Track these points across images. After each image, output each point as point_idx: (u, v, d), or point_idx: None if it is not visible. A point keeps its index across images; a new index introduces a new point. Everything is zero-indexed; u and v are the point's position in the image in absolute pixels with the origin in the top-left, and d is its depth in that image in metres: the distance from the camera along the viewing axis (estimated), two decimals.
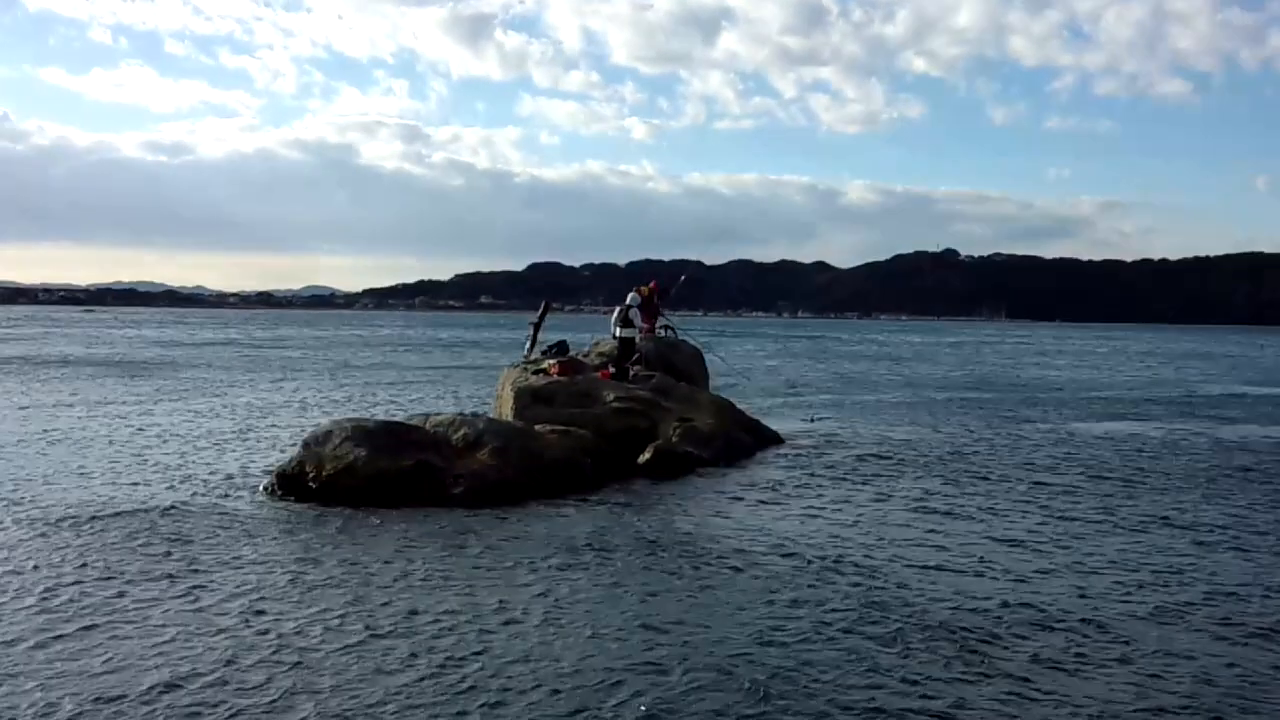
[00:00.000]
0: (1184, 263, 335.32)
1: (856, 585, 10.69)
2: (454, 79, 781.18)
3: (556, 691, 7.69)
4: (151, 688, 7.65)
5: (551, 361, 21.75)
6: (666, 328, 25.04)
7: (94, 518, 13.56)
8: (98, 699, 7.44)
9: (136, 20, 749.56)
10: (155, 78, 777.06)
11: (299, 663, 8.23)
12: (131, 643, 8.64)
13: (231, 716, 7.20)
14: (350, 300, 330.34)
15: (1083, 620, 9.60)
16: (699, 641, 8.85)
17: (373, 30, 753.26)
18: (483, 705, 7.42)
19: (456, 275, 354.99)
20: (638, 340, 22.67)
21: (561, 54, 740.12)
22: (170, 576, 10.71)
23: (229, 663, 8.18)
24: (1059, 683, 8.05)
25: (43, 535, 12.50)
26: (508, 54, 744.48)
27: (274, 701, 7.44)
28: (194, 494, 15.47)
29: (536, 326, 24.46)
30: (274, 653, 8.43)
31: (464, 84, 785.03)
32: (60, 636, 8.77)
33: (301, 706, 7.36)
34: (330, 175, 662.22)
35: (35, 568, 11.02)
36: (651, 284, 24.80)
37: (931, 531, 13.51)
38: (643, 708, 7.41)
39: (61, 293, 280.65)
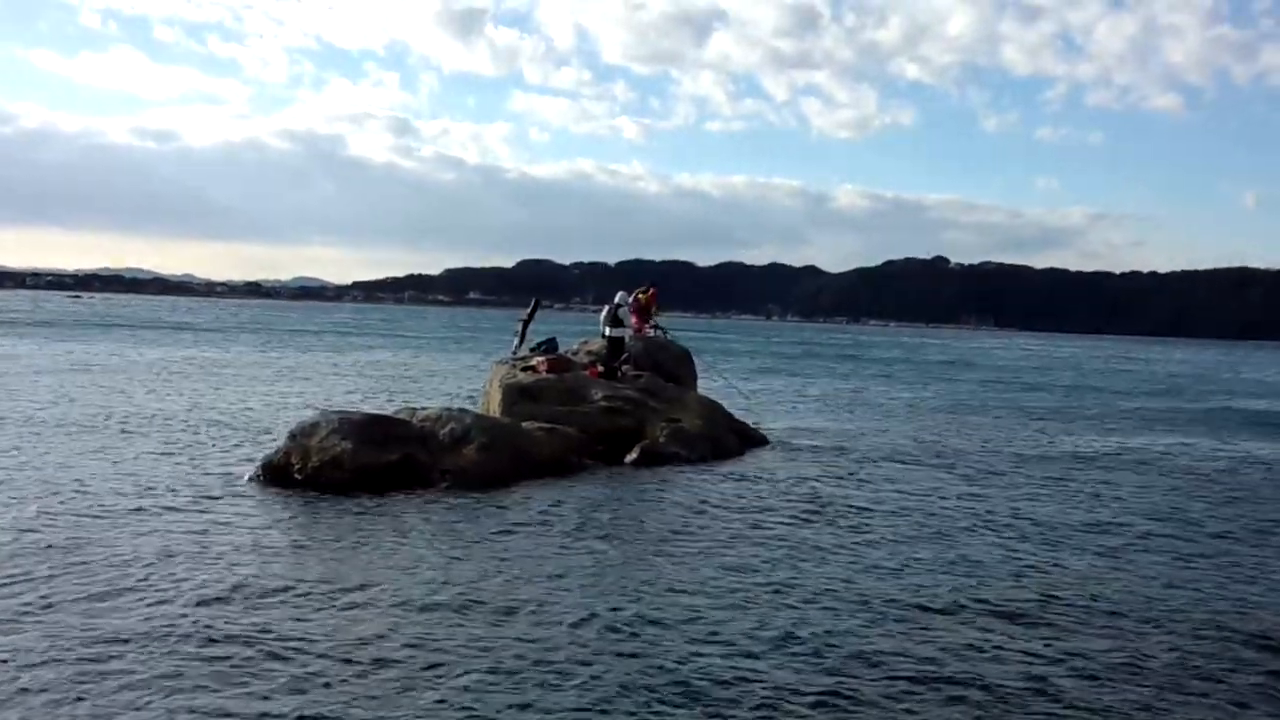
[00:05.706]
0: (1172, 276, 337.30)
1: (825, 580, 10.77)
2: (445, 73, 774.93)
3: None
4: (147, 662, 7.69)
5: (540, 359, 21.75)
6: (656, 328, 25.08)
7: (89, 504, 13.55)
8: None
9: (126, 4, 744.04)
10: (145, 63, 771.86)
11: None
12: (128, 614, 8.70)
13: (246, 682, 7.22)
14: (339, 292, 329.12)
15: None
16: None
17: (364, 21, 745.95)
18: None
19: (446, 270, 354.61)
20: (627, 340, 22.70)
21: (553, 51, 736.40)
22: (158, 570, 10.71)
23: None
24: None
25: (30, 529, 12.37)
26: (499, 49, 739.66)
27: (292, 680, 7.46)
28: (177, 483, 15.40)
29: (526, 323, 24.44)
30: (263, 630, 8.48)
31: (455, 78, 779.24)
32: (75, 600, 8.81)
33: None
34: (319, 166, 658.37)
35: (20, 557, 10.98)
36: (650, 291, 24.92)
37: (909, 529, 13.61)
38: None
39: (49, 278, 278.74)
